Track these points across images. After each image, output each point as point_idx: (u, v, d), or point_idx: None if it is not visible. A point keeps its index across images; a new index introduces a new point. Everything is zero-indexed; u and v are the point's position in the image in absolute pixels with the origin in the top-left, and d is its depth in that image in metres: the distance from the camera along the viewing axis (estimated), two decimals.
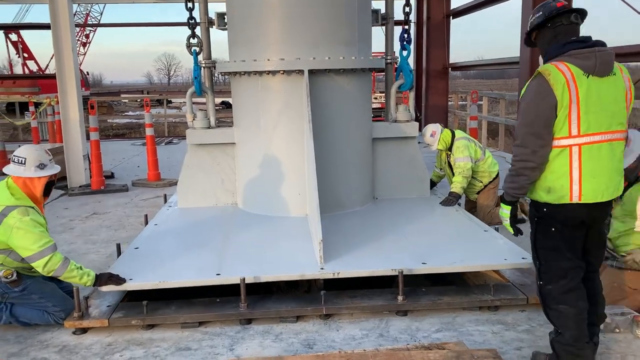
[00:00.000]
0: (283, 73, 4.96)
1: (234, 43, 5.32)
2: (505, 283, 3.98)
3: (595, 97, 2.60)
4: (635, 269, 3.62)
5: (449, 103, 15.08)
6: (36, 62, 35.65)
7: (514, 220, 2.93)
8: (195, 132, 5.57)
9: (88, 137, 8.30)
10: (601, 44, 2.68)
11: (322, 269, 3.75)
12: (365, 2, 5.31)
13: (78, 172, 8.19)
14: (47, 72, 32.57)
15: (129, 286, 3.62)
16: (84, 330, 3.51)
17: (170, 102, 32.24)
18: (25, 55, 34.88)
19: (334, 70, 5.02)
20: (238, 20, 5.22)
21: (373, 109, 11.72)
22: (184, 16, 5.63)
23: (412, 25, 14.76)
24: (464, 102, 18.13)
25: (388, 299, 3.71)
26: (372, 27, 5.63)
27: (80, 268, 3.46)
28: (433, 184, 6.15)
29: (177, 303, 3.69)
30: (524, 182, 2.74)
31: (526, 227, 3.01)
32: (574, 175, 2.64)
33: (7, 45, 34.47)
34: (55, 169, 3.58)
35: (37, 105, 13.73)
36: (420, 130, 6.08)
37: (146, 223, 5.28)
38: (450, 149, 5.76)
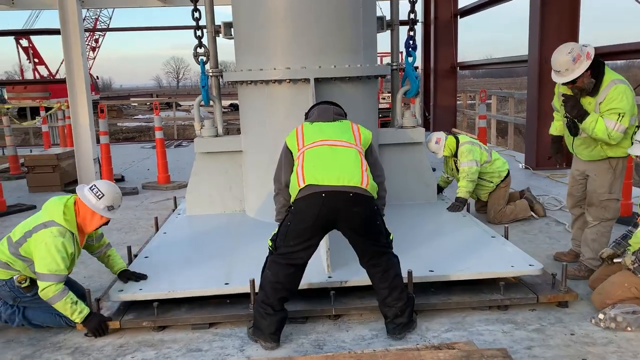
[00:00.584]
0: (289, 82, 4.99)
1: (241, 52, 5.35)
2: (515, 282, 3.96)
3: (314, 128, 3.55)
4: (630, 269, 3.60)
5: (458, 102, 15.04)
6: (47, 67, 36.03)
7: None
8: (203, 141, 5.61)
9: (98, 141, 8.36)
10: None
11: (330, 277, 3.76)
12: (370, 10, 5.32)
13: (89, 175, 8.24)
14: (57, 76, 32.88)
15: (138, 296, 3.65)
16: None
17: (179, 105, 32.41)
18: (36, 60, 35.27)
19: (339, 78, 5.04)
20: (244, 29, 5.26)
21: (381, 109, 11.73)
22: (191, 20, 5.68)
23: (420, 25, 14.75)
24: (472, 101, 18.06)
25: None
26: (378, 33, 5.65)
27: (76, 303, 3.42)
28: (440, 189, 6.15)
29: (188, 305, 3.72)
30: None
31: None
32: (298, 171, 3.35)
33: (18, 51, 34.86)
34: (116, 215, 3.64)
35: (47, 109, 13.87)
36: (427, 132, 6.08)
37: (156, 225, 5.32)
38: (456, 154, 5.78)
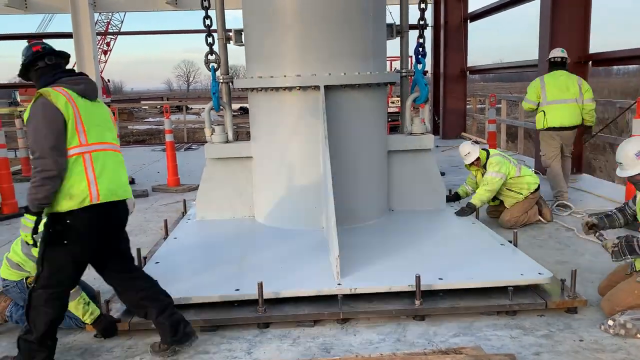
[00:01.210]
0: (299, 89, 5.02)
1: (251, 59, 5.40)
2: (523, 287, 3.95)
3: (91, 115, 3.05)
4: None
5: (468, 106, 14.99)
6: None
7: (35, 232, 2.97)
8: (214, 146, 5.65)
9: None
10: (82, 73, 3.33)
11: (339, 284, 3.78)
12: (380, 17, 5.35)
13: None
14: None
15: None
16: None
17: (189, 108, 32.57)
18: None
19: (349, 85, 5.07)
20: (255, 36, 5.31)
21: (390, 113, 11.73)
22: (202, 24, 5.73)
23: (430, 29, 14.73)
24: (482, 106, 18.00)
25: (405, 303, 3.72)
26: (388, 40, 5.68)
27: (88, 304, 3.47)
28: (458, 198, 6.12)
29: (196, 307, 3.74)
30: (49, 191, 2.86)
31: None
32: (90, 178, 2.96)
33: None
34: None
35: None
36: (436, 137, 6.09)
37: (165, 229, 5.36)
38: (484, 166, 5.74)
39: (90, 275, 4.15)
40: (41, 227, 2.98)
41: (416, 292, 3.64)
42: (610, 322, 3.42)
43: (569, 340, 3.36)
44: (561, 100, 6.51)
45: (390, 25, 5.74)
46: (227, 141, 5.74)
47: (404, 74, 5.94)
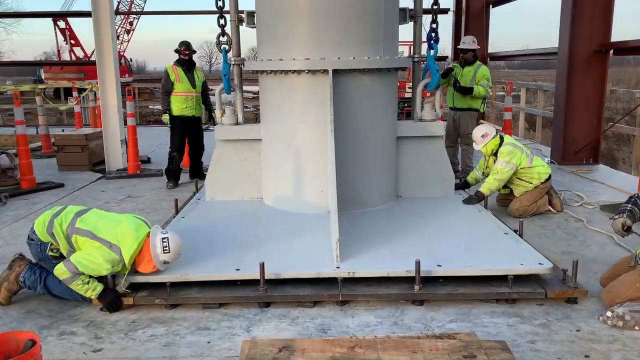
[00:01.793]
0: (308, 72, 5.03)
1: (262, 42, 5.42)
2: (526, 276, 3.95)
3: None
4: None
5: None
6: (82, 48, 36.69)
7: None
8: (224, 128, 5.71)
9: (126, 123, 8.56)
10: None
11: (338, 267, 3.82)
12: (391, 1, 5.29)
13: (115, 156, 8.46)
14: (92, 58, 33.47)
15: (152, 278, 3.77)
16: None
17: (210, 89, 32.62)
18: (72, 42, 35.94)
19: (358, 70, 5.06)
20: (266, 19, 5.32)
21: (407, 98, 11.63)
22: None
23: (451, 14, 14.53)
24: (502, 93, 17.73)
25: (405, 288, 3.75)
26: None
27: (87, 283, 3.58)
28: (467, 185, 6.11)
29: (199, 285, 3.82)
30: None
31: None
32: None
33: (56, 32, 35.58)
34: (162, 268, 3.74)
35: (80, 91, 14.20)
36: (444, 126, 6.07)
37: (176, 208, 5.45)
38: (496, 154, 5.70)
39: None
40: None
41: (415, 277, 3.67)
42: (609, 314, 3.41)
43: (565, 330, 3.36)
44: None
45: (403, 10, 5.69)
46: (237, 123, 5.78)
47: (416, 60, 5.90)
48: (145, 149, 10.08)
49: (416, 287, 3.68)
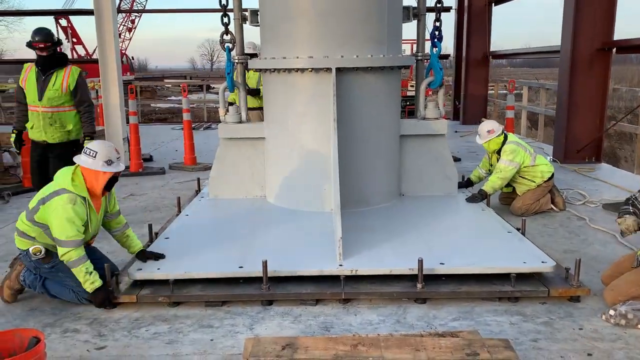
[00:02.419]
0: (311, 71, 5.03)
1: (265, 40, 5.42)
2: (528, 275, 3.95)
3: None
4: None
5: (490, 92, 14.80)
6: (84, 46, 36.73)
7: None
8: (227, 127, 5.72)
9: (128, 121, 8.57)
10: None
11: (341, 265, 3.83)
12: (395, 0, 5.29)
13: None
14: (94, 56, 33.49)
15: (156, 276, 3.79)
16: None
17: (211, 87, 32.68)
18: (74, 40, 35.98)
19: (362, 68, 5.06)
20: (269, 17, 5.32)
21: (411, 97, 11.61)
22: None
23: (453, 12, 14.52)
24: (504, 91, 17.73)
25: (407, 286, 3.76)
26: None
27: (90, 274, 3.58)
28: (471, 183, 6.11)
29: (202, 282, 3.83)
30: None
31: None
32: None
33: (57, 31, 35.60)
34: (120, 168, 3.73)
35: None
36: (456, 122, 6.04)
37: (178, 206, 5.46)
38: (499, 152, 5.70)
39: (103, 250, 4.30)
40: None
41: (418, 275, 3.67)
42: (612, 312, 3.41)
43: (568, 328, 3.37)
44: None
45: (406, 8, 5.68)
46: (241, 121, 5.79)
47: (419, 58, 5.90)
48: (147, 147, 10.09)
49: (419, 285, 3.68)
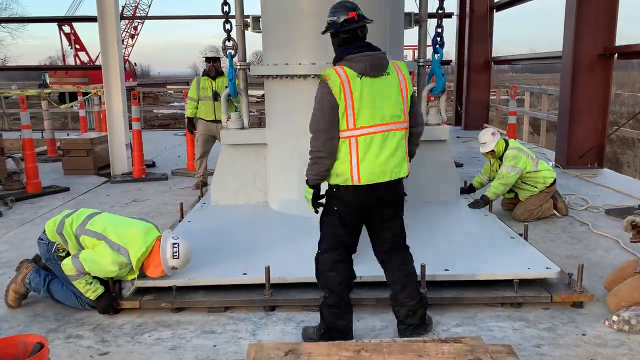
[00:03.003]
0: (314, 77, 5.04)
1: (268, 46, 5.44)
2: (531, 280, 3.95)
3: (367, 95, 3.02)
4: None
5: (492, 97, 14.81)
6: (87, 53, 36.86)
7: (315, 201, 3.28)
8: (229, 133, 5.73)
9: (131, 127, 8.60)
10: (373, 48, 3.17)
11: None
12: (397, 6, 5.31)
13: (121, 160, 8.50)
14: (96, 63, 33.62)
15: (160, 283, 3.78)
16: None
17: None
18: (77, 46, 36.13)
19: None
20: (271, 24, 5.34)
21: None
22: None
23: (455, 18, 14.55)
24: (506, 97, 17.74)
25: None
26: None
27: (90, 284, 3.61)
28: (473, 189, 6.11)
29: (205, 288, 3.84)
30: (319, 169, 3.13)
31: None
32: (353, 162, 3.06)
33: (61, 37, 35.77)
34: (170, 273, 3.74)
35: (85, 95, 14.27)
36: (458, 127, 6.04)
37: (181, 212, 5.47)
38: (501, 158, 5.70)
39: None
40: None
41: (421, 281, 3.67)
42: (615, 318, 3.41)
43: (571, 334, 3.36)
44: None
45: (408, 14, 5.70)
46: (243, 127, 5.80)
47: (421, 64, 5.92)
48: (150, 153, 10.12)
49: (422, 291, 3.68)
